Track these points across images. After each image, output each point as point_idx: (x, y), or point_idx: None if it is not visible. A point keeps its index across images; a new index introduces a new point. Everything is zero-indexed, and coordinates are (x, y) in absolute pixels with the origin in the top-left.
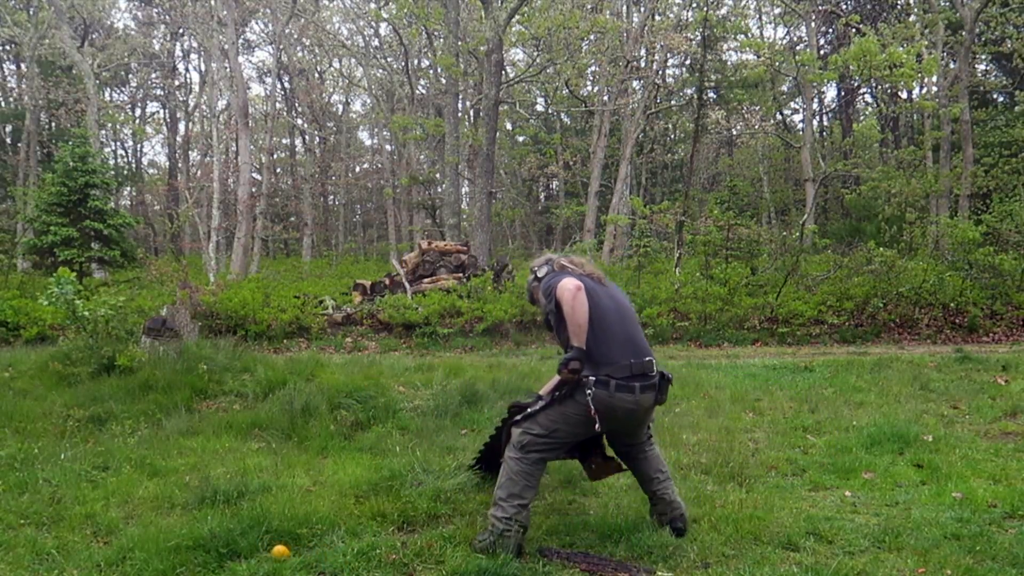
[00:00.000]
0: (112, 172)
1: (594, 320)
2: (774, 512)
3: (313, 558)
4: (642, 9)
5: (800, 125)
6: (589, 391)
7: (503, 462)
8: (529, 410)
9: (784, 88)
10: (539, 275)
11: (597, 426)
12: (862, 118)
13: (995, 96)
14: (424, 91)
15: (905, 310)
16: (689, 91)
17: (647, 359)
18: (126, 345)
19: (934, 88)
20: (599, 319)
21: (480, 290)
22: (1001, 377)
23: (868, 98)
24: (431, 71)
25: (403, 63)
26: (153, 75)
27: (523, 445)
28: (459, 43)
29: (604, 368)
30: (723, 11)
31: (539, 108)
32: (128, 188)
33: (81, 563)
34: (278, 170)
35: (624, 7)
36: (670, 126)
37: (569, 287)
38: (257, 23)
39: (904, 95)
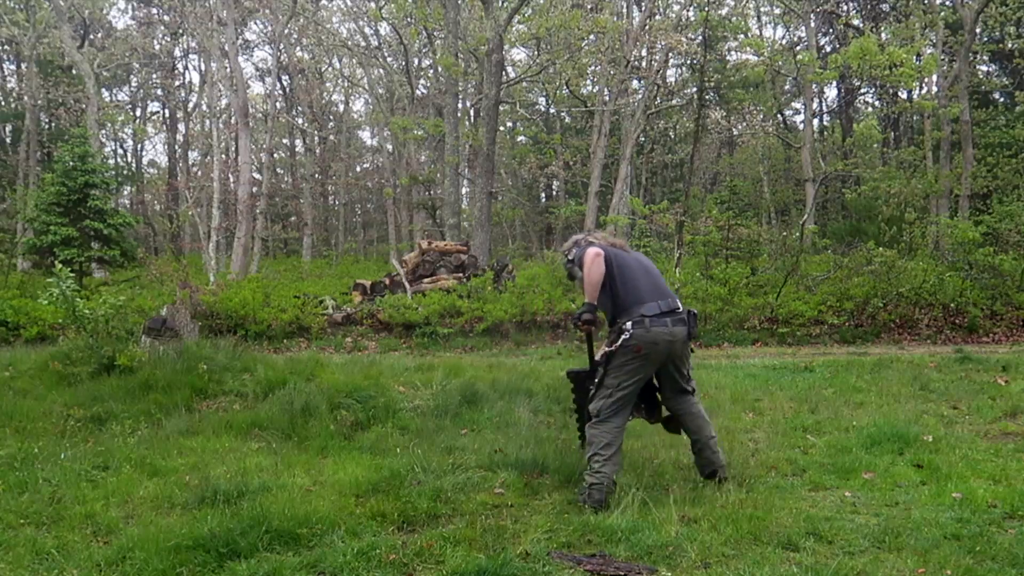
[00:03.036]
0: (112, 172)
1: (621, 277)
2: (774, 512)
3: (313, 558)
4: (642, 9)
5: (800, 125)
6: (627, 333)
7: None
8: (597, 384)
9: (784, 88)
10: (570, 257)
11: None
12: (862, 118)
13: (995, 96)
14: (424, 91)
15: (905, 310)
16: (689, 91)
17: (671, 299)
18: (126, 345)
19: (934, 88)
20: (627, 275)
21: (480, 290)
22: (1001, 377)
23: (868, 98)
24: (431, 71)
25: (403, 63)
26: (153, 75)
27: (598, 412)
28: (459, 43)
29: (636, 311)
30: (723, 11)
31: (540, 107)
32: (128, 188)
33: (81, 563)
34: (278, 170)
35: (624, 7)
36: (670, 126)
37: (590, 253)
38: (257, 23)
39: (904, 95)
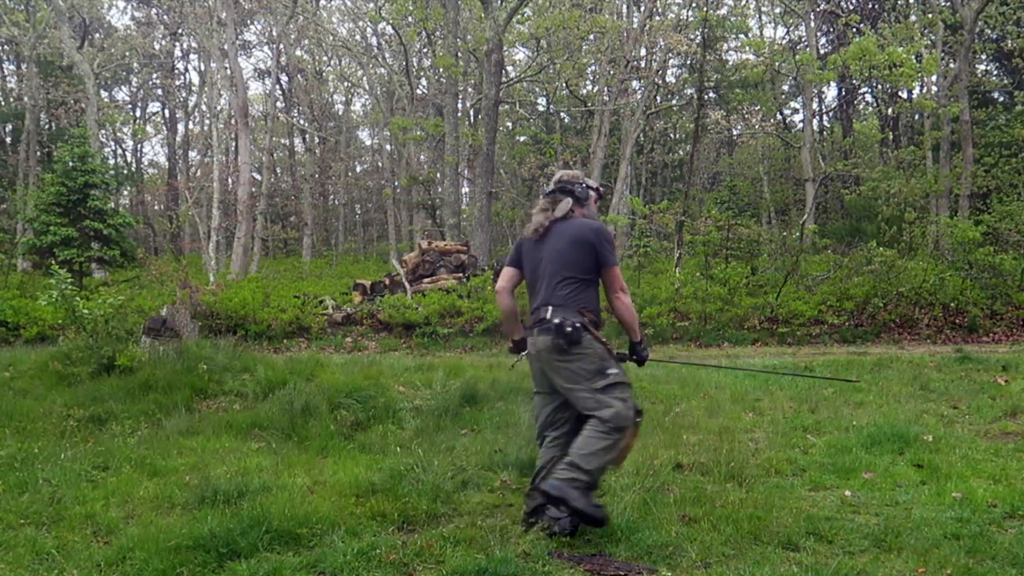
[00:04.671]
0: (112, 172)
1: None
2: (774, 512)
3: (313, 558)
4: (642, 9)
5: (800, 125)
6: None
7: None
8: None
9: (784, 88)
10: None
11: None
12: (862, 118)
13: (995, 96)
14: (424, 91)
15: (905, 310)
16: (689, 91)
17: (541, 306)
18: (126, 345)
19: (934, 88)
20: (528, 280)
21: (480, 290)
22: (1001, 377)
23: (868, 98)
24: (431, 71)
25: (403, 62)
26: (153, 75)
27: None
28: (459, 43)
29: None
30: (723, 11)
31: (540, 107)
32: (128, 188)
33: (81, 563)
34: (278, 170)
35: (624, 7)
36: (670, 126)
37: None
38: (256, 23)
39: (904, 95)
